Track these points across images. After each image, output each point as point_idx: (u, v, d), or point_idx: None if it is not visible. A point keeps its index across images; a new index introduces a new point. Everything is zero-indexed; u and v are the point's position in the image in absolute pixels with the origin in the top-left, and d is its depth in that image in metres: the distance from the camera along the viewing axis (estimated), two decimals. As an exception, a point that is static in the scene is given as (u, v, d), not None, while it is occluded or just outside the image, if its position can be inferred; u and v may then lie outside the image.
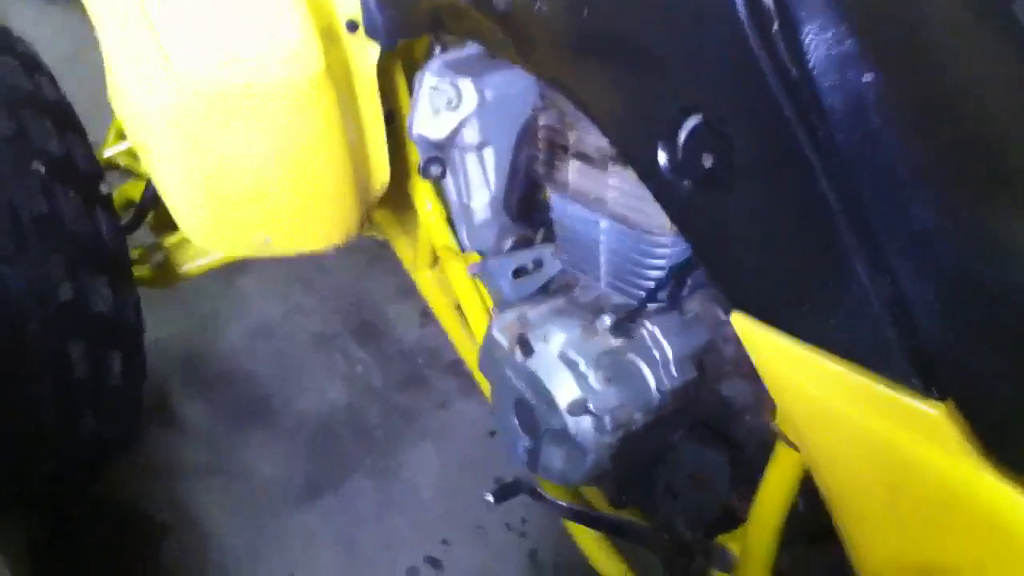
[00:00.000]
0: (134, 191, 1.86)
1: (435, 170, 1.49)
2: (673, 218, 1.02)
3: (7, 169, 1.42)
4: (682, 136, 0.94)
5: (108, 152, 1.94)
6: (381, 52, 1.40)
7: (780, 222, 0.89)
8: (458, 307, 1.62)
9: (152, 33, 1.24)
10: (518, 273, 1.43)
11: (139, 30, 1.25)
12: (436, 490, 1.98)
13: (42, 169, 1.44)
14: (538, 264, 1.44)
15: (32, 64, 1.61)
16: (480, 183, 1.50)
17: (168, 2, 1.25)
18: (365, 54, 1.39)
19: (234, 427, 2.09)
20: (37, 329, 1.41)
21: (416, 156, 1.51)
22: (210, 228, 1.36)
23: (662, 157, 0.96)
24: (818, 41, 0.82)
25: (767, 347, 0.93)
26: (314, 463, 2.02)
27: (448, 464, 2.02)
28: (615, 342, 1.17)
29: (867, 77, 0.82)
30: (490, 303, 1.50)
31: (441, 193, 1.58)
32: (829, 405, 0.90)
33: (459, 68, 1.41)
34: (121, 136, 2.00)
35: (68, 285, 1.43)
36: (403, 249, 1.81)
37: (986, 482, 0.79)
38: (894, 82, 0.84)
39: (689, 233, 1.01)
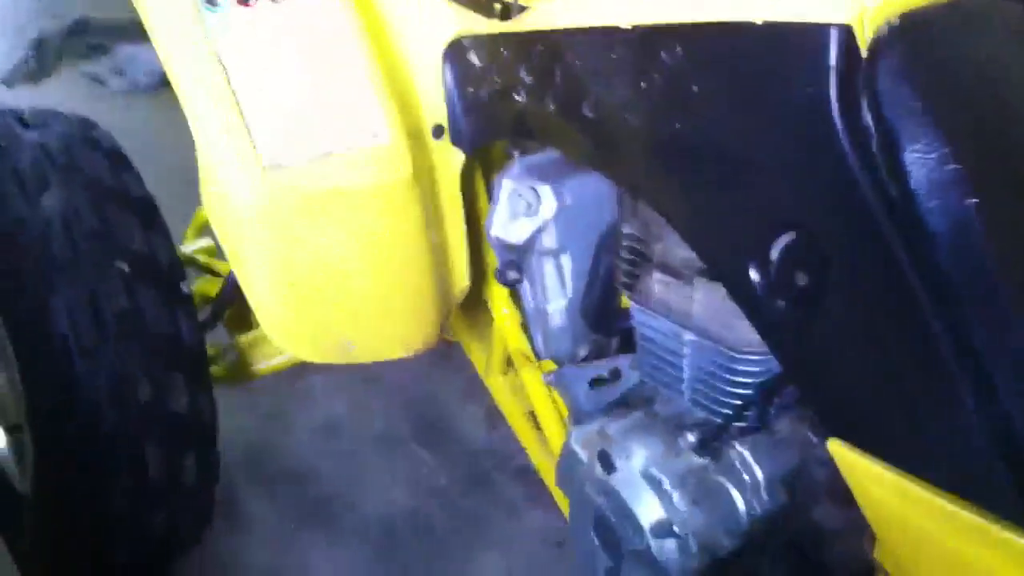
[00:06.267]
0: (210, 288, 1.88)
1: (512, 275, 1.48)
2: (765, 337, 0.99)
3: (91, 265, 1.44)
4: (775, 253, 0.92)
5: (187, 249, 1.97)
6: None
7: (880, 347, 0.86)
8: (531, 414, 1.60)
9: (245, 131, 1.27)
10: (595, 383, 1.40)
11: (233, 127, 1.27)
12: (503, 601, 1.93)
13: (125, 267, 1.46)
14: (615, 374, 1.42)
15: (118, 160, 1.63)
16: (557, 289, 1.48)
17: (262, 102, 1.28)
18: (450, 159, 1.41)
19: (298, 527, 2.06)
20: (114, 427, 1.41)
21: (493, 260, 1.51)
22: (294, 329, 1.36)
23: (754, 274, 0.94)
24: (920, 162, 0.81)
25: (867, 477, 0.89)
26: (378, 568, 1.98)
27: (514, 574, 1.97)
28: (700, 461, 1.14)
29: (971, 200, 0.80)
30: (565, 412, 1.48)
31: (517, 298, 1.57)
32: (936, 541, 0.85)
33: (539, 173, 1.41)
34: (199, 233, 2.03)
35: (147, 384, 1.43)
36: (476, 353, 1.80)
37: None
38: (999, 205, 0.82)
39: (782, 354, 0.98)
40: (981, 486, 0.80)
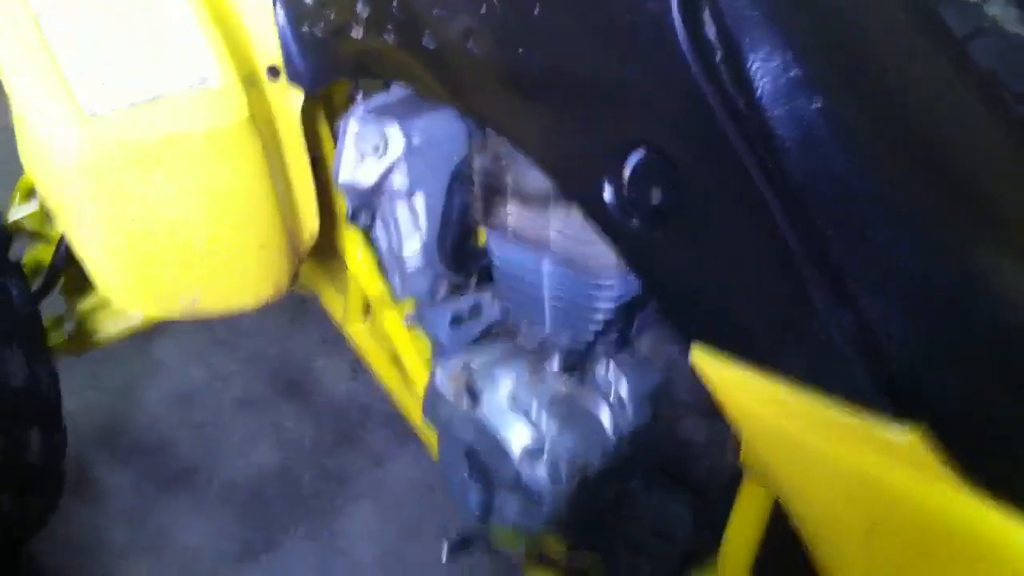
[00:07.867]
0: (43, 255, 1.77)
1: (363, 218, 1.45)
2: (622, 256, 0.99)
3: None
4: (627, 171, 0.91)
5: (13, 215, 1.84)
6: (305, 98, 1.36)
7: (734, 258, 0.87)
8: (394, 358, 1.57)
9: (61, 77, 1.19)
10: (456, 321, 1.39)
11: (47, 76, 1.18)
12: (377, 552, 1.91)
13: (-57, 237, 1.36)
14: (476, 311, 1.41)
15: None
16: (411, 230, 1.45)
17: (78, 46, 1.20)
18: (288, 101, 1.35)
19: (159, 499, 1.99)
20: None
21: (343, 205, 1.47)
22: (133, 288, 1.28)
23: (608, 193, 0.93)
24: (764, 70, 0.80)
25: (728, 379, 0.90)
26: (245, 533, 1.93)
27: (387, 524, 1.95)
28: (566, 385, 1.14)
29: (816, 104, 0.81)
30: (428, 353, 1.46)
31: (371, 242, 1.54)
32: (798, 436, 0.87)
33: (384, 113, 1.37)
34: (27, 197, 1.90)
35: (-22, 359, 1.34)
36: (333, 302, 1.75)
37: (966, 507, 0.76)
38: (845, 109, 0.82)
39: (640, 270, 0.98)
40: (840, 379, 0.82)
